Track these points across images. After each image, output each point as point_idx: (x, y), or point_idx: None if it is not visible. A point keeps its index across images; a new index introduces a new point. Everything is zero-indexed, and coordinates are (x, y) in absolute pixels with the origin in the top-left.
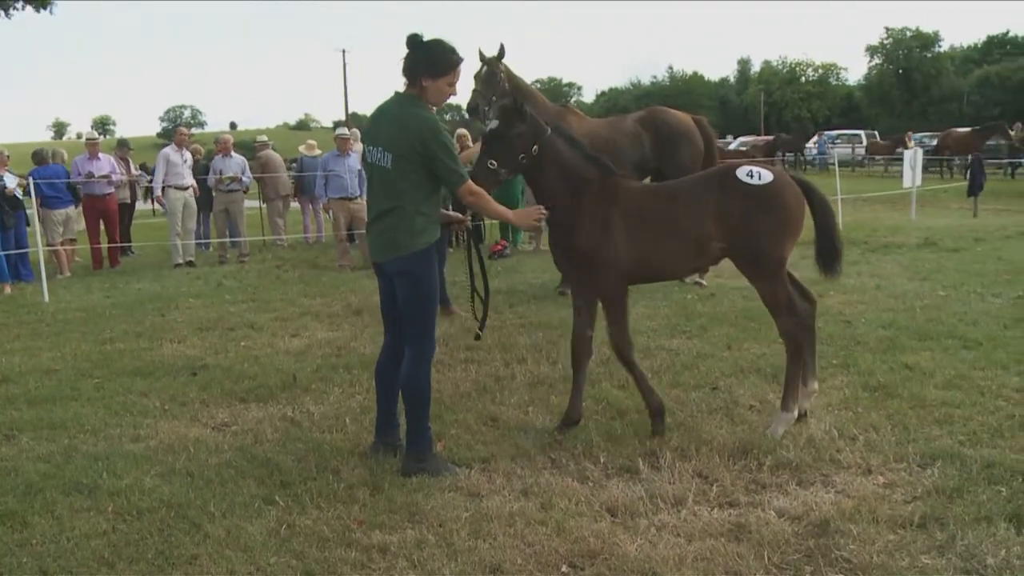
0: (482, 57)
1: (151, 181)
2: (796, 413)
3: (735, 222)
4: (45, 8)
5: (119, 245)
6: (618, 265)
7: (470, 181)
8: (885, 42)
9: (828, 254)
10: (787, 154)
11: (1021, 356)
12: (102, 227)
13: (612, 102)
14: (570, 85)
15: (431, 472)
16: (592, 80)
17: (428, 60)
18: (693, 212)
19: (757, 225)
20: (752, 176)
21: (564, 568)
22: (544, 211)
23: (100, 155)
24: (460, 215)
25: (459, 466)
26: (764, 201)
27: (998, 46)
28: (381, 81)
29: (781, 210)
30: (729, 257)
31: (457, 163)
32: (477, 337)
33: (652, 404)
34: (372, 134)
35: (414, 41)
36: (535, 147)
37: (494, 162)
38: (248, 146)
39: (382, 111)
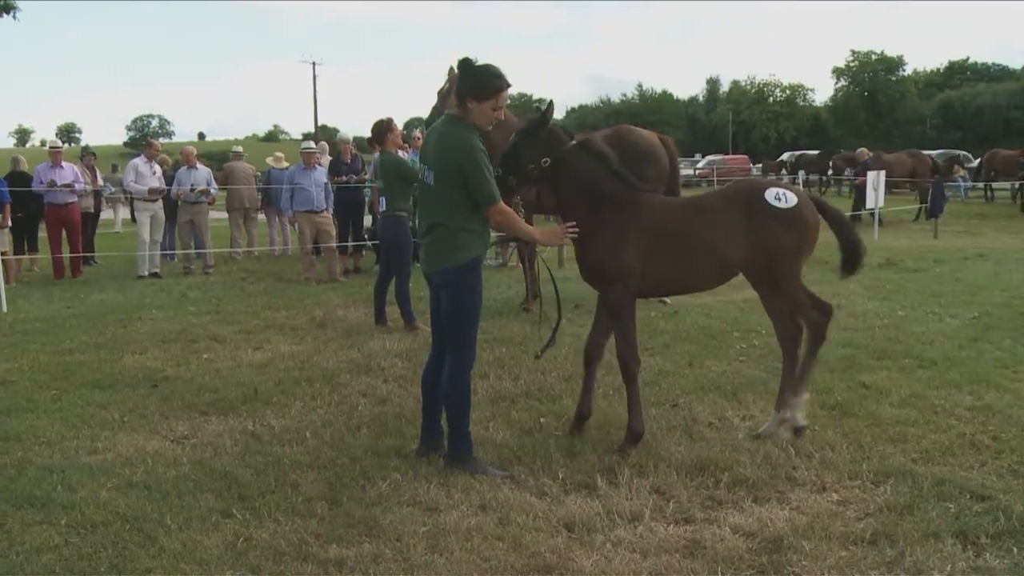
0: (451, 73)
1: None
2: (807, 396)
3: (761, 241)
4: (8, 13)
5: (82, 255)
6: (627, 281)
7: (500, 201)
8: (851, 64)
9: (852, 261)
10: (809, 175)
11: (974, 376)
12: (64, 236)
13: (582, 119)
14: (540, 101)
15: (471, 470)
16: (563, 97)
17: (474, 84)
18: (720, 231)
19: (782, 246)
20: (779, 199)
21: None
22: (571, 229)
23: (63, 163)
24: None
25: (502, 470)
26: (789, 223)
27: (959, 72)
28: (351, 95)
29: (804, 231)
30: (746, 272)
31: (489, 183)
32: (537, 356)
33: (635, 426)
34: (423, 154)
35: (465, 65)
36: (546, 160)
37: (499, 170)
38: (219, 157)
39: (431, 131)
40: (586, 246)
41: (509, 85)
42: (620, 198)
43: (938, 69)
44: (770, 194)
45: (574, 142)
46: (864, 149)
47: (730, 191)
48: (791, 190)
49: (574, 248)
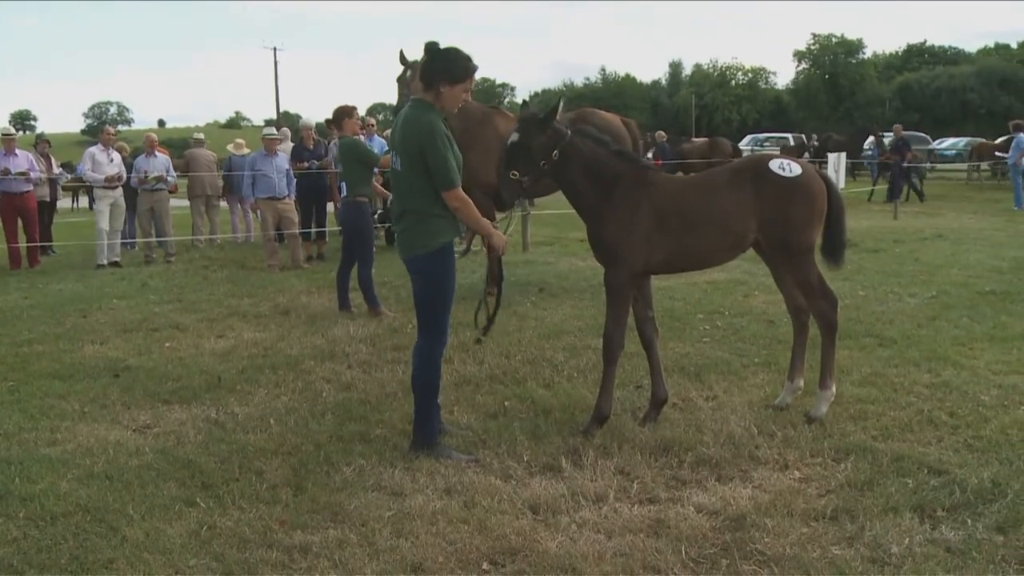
0: (403, 60)
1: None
2: (834, 390)
3: (770, 212)
4: None
5: (39, 244)
6: (633, 265)
7: (459, 188)
8: (812, 47)
9: (835, 246)
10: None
11: (932, 354)
12: (20, 226)
13: (545, 103)
14: (503, 86)
15: (435, 455)
16: (525, 81)
17: (446, 68)
18: (732, 203)
19: (791, 214)
20: (784, 168)
21: (485, 566)
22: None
23: (17, 151)
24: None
25: (467, 454)
26: (796, 192)
27: (917, 55)
28: (312, 80)
29: (811, 200)
30: (761, 245)
31: (448, 168)
32: (478, 341)
33: (602, 407)
34: (392, 140)
35: (432, 49)
36: (555, 152)
37: (515, 172)
38: (180, 144)
39: (399, 117)
40: (599, 228)
41: (477, 67)
42: (629, 179)
43: (897, 52)
44: (775, 164)
45: (570, 131)
46: (662, 132)
47: (736, 165)
48: (795, 161)
49: (586, 229)
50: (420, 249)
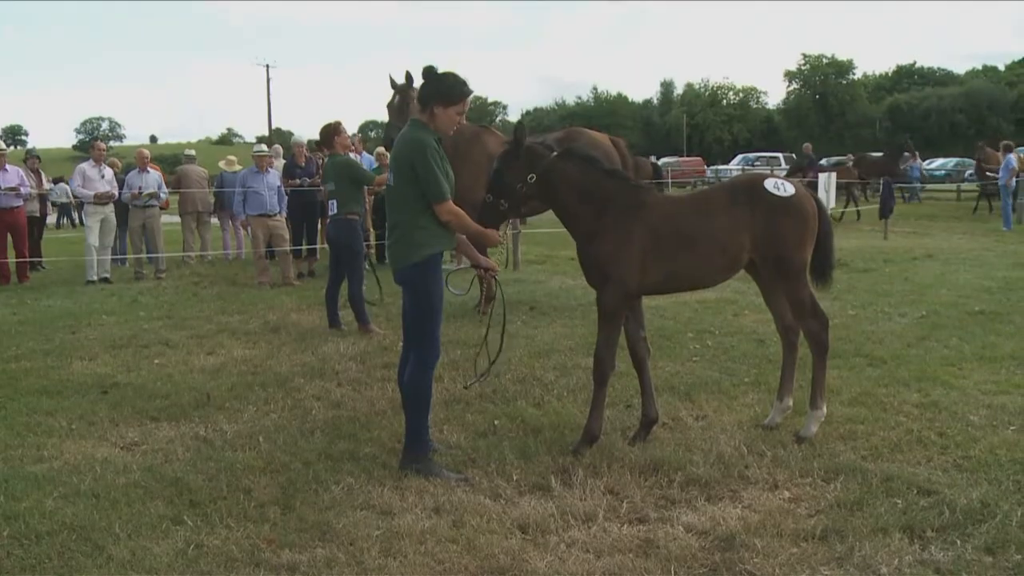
0: (393, 85)
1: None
2: (825, 410)
3: (765, 231)
4: None
5: (28, 260)
6: (627, 286)
7: (450, 201)
8: (803, 68)
9: (824, 267)
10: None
11: (922, 373)
12: (10, 241)
13: (537, 122)
14: (495, 104)
15: (424, 473)
16: (517, 99)
17: (441, 91)
18: (727, 222)
19: (785, 233)
20: (778, 188)
21: None
22: (501, 239)
23: (8, 166)
24: (490, 261)
25: (457, 473)
26: (790, 211)
27: (907, 76)
28: (305, 97)
29: (804, 219)
30: (755, 263)
31: (439, 183)
32: (466, 387)
33: (592, 428)
34: (390, 160)
35: (429, 73)
36: (531, 176)
37: (490, 196)
38: (171, 160)
39: (397, 136)
40: (590, 249)
41: (472, 91)
42: (624, 199)
43: (887, 73)
44: (769, 183)
45: (555, 153)
46: None
47: (730, 184)
48: (789, 181)
49: (577, 250)
50: (408, 259)
